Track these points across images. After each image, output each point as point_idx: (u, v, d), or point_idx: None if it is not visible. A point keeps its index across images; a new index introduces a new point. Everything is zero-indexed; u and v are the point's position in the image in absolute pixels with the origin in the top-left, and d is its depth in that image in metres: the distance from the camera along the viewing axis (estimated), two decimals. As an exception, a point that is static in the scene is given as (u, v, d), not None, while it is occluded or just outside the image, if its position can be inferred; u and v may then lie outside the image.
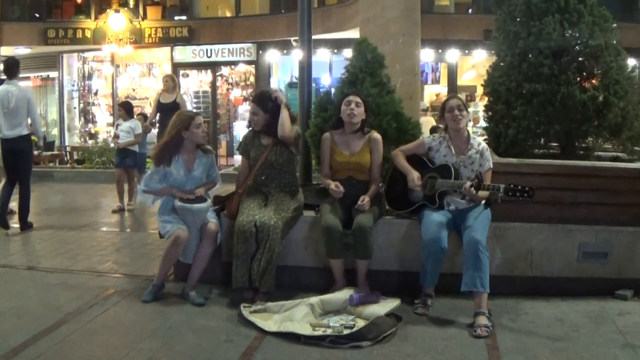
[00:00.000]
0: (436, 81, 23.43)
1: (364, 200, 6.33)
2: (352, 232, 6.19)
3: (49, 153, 21.08)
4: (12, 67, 10.08)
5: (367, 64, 7.26)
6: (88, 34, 23.41)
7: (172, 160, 6.62)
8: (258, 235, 6.26)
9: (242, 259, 6.29)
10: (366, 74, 7.20)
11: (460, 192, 6.05)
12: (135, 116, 13.08)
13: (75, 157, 20.09)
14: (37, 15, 24.56)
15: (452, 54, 21.28)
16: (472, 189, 5.88)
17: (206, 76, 23.89)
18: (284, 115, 6.66)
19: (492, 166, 6.29)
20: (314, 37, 8.14)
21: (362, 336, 5.32)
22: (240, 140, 7.18)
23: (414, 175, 6.27)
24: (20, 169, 9.91)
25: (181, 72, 23.75)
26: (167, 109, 12.24)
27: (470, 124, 19.11)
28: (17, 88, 9.93)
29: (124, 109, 12.57)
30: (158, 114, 13.16)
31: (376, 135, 6.65)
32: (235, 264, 6.32)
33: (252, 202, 6.62)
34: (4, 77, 10.06)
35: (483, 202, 6.10)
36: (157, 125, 13.27)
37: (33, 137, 10.60)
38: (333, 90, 7.67)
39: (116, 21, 22.78)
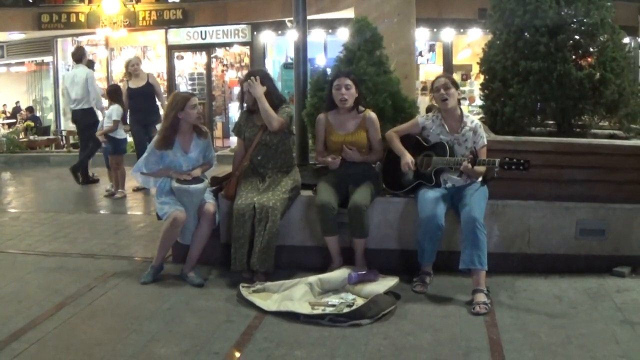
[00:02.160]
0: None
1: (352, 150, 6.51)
2: (348, 210, 6.20)
3: (45, 137, 21.08)
4: (79, 54, 12.87)
5: (365, 43, 7.23)
6: (82, 18, 23.26)
7: (172, 143, 6.63)
8: (256, 217, 6.27)
9: (241, 242, 6.32)
10: (364, 52, 7.18)
11: (457, 168, 6.06)
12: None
13: (71, 141, 20.04)
14: (31, 0, 24.41)
15: (447, 33, 21.19)
16: (469, 164, 5.89)
17: (201, 58, 23.77)
18: (265, 107, 6.55)
19: (486, 143, 6.29)
20: (308, 17, 8.12)
21: (362, 314, 5.34)
22: (237, 120, 7.15)
23: (408, 159, 6.27)
24: (84, 139, 12.57)
25: (176, 54, 23.68)
26: (139, 94, 11.58)
27: (466, 102, 19.17)
28: (81, 71, 12.48)
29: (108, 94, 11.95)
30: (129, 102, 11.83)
31: (370, 113, 6.65)
32: (234, 247, 6.36)
33: (249, 185, 6.63)
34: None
35: (480, 179, 6.12)
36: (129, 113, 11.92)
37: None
38: (329, 70, 7.66)
39: (110, 4, 22.62)
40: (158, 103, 11.75)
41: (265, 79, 6.71)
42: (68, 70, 24.71)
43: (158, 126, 9.76)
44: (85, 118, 12.48)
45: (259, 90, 6.57)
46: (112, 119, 11.44)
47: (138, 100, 11.54)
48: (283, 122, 6.64)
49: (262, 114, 6.56)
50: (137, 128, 11.64)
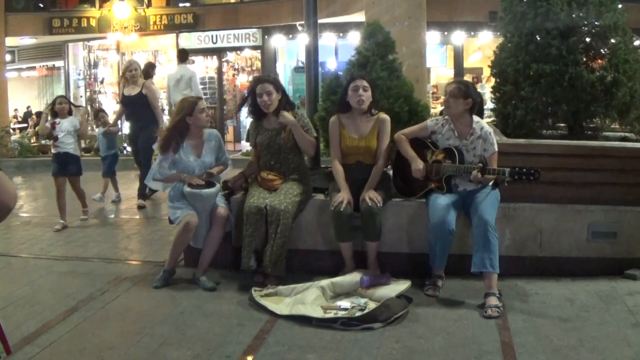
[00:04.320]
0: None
1: (373, 196, 6.28)
2: (361, 214, 6.19)
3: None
4: (183, 54, 14.79)
5: (378, 46, 7.24)
6: (93, 22, 23.33)
7: (179, 147, 6.63)
8: (268, 219, 6.29)
9: (249, 240, 6.34)
10: (377, 57, 7.19)
11: (467, 175, 6.05)
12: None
13: (83, 145, 20.08)
14: (42, 5, 24.44)
15: (458, 36, 21.17)
16: (478, 174, 5.88)
17: (212, 62, 23.76)
18: (303, 135, 6.64)
19: (496, 150, 6.23)
20: (319, 21, 8.12)
21: (374, 318, 5.34)
22: (247, 130, 7.14)
23: (419, 165, 6.26)
24: None
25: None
26: (132, 102, 10.97)
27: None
28: (185, 69, 14.25)
29: (69, 103, 10.04)
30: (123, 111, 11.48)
31: (384, 116, 6.62)
32: (243, 245, 6.38)
33: (261, 187, 6.65)
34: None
35: (491, 182, 6.10)
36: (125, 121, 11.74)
37: None
38: (341, 73, 7.65)
39: (121, 9, 22.69)
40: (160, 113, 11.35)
41: (279, 86, 6.75)
42: (80, 76, 24.87)
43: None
44: None
45: (292, 119, 6.63)
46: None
47: (130, 108, 11.16)
48: (314, 140, 6.78)
49: (301, 143, 6.65)
50: (130, 137, 11.44)
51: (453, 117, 6.26)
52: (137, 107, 10.90)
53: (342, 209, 6.21)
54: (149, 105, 10.86)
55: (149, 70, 13.47)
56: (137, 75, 11.01)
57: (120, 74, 11.95)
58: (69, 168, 9.64)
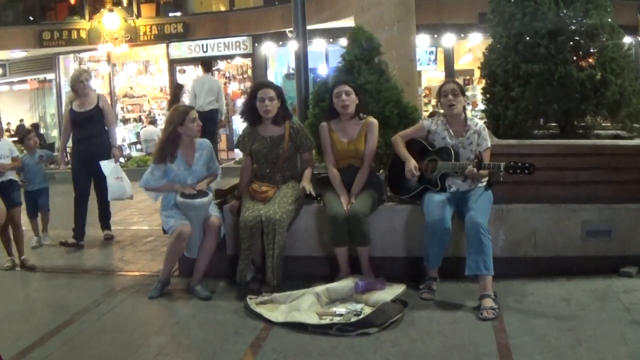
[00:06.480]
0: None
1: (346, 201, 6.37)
2: (348, 219, 6.19)
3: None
4: (207, 64, 15.67)
5: (362, 52, 7.24)
6: (83, 34, 23.39)
7: (174, 157, 6.61)
8: (264, 230, 6.25)
9: (247, 254, 6.32)
10: (362, 62, 7.19)
11: (462, 173, 6.05)
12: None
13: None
14: (32, 18, 24.52)
15: (448, 39, 21.21)
16: (474, 168, 5.88)
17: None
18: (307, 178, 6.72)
19: (490, 145, 6.27)
20: (308, 27, 8.13)
21: (369, 323, 5.33)
22: (239, 136, 7.08)
23: (411, 166, 6.25)
24: (208, 133, 12.04)
25: (178, 68, 23.75)
26: (86, 119, 9.06)
27: (469, 107, 19.13)
28: (209, 78, 15.35)
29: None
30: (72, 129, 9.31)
31: (372, 120, 6.62)
32: (240, 259, 6.36)
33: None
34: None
35: (484, 183, 6.10)
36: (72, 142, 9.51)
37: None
38: (330, 79, 7.66)
39: (111, 20, 22.75)
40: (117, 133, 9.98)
41: (280, 93, 6.73)
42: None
43: (108, 163, 8.83)
44: (213, 116, 14.69)
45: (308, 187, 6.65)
46: (13, 155, 8.96)
47: (83, 127, 9.15)
48: (313, 161, 6.92)
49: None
50: (79, 164, 9.33)
51: (454, 116, 6.27)
52: (93, 124, 9.17)
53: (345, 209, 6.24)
54: (104, 124, 9.27)
55: (178, 91, 15.34)
56: (87, 87, 9.25)
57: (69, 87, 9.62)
58: (13, 197, 8.25)
